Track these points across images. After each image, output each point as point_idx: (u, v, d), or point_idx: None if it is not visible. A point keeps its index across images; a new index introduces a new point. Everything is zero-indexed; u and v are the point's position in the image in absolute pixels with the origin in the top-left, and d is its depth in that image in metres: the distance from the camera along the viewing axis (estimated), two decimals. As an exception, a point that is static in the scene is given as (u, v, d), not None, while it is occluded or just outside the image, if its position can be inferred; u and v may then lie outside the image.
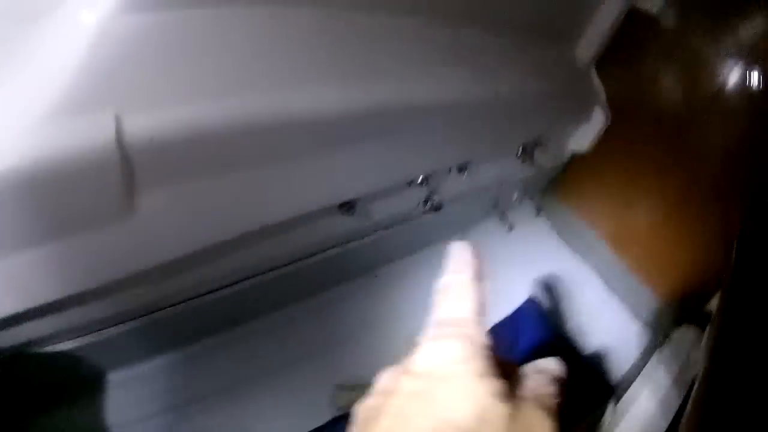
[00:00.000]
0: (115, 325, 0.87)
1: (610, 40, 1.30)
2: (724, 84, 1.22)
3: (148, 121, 0.55)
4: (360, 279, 1.21)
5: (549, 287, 1.34)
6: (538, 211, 1.31)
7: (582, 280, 1.36)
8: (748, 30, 1.18)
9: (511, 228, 1.26)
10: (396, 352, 0.36)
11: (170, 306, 0.90)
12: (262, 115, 0.64)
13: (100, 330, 0.85)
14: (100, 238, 0.60)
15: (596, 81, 1.32)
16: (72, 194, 0.54)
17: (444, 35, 0.87)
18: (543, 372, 0.39)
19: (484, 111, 0.99)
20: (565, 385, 0.39)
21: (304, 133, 0.71)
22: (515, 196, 1.32)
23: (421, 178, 0.99)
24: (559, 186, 1.47)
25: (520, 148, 1.18)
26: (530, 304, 1.25)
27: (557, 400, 0.38)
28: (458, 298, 0.36)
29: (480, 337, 0.34)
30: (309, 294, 1.18)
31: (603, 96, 1.32)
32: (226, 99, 0.60)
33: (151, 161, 0.58)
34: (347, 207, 0.92)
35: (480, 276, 0.37)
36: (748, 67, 1.18)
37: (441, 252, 0.38)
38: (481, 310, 0.36)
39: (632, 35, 1.32)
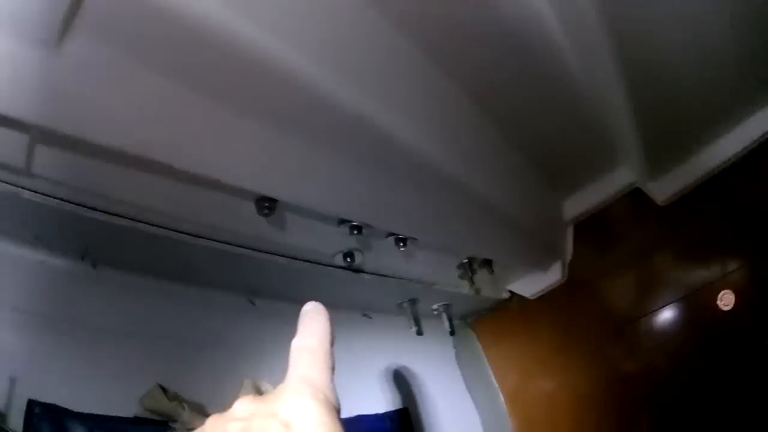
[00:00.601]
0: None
1: (600, 211, 1.27)
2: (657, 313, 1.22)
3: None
4: (239, 299, 1.06)
5: (427, 406, 1.20)
6: (452, 332, 1.20)
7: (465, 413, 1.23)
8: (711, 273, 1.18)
9: (419, 333, 1.14)
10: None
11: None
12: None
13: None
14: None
15: (570, 240, 1.26)
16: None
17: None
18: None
19: (452, 191, 0.90)
20: None
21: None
22: (438, 306, 1.20)
23: (356, 223, 0.86)
24: (482, 322, 1.36)
25: (466, 260, 1.08)
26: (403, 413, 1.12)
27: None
28: (320, 362, 0.40)
29: (335, 403, 0.38)
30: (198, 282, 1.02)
31: (569, 256, 1.26)
32: None
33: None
34: (267, 205, 0.79)
35: (331, 342, 0.42)
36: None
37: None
38: (329, 373, 0.40)
39: (622, 219, 1.30)
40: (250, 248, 0.89)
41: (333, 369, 0.40)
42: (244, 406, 0.38)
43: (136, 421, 0.84)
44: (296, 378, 0.39)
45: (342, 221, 0.87)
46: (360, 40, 0.72)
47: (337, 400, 0.39)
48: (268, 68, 0.60)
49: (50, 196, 0.71)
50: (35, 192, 0.70)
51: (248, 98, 0.64)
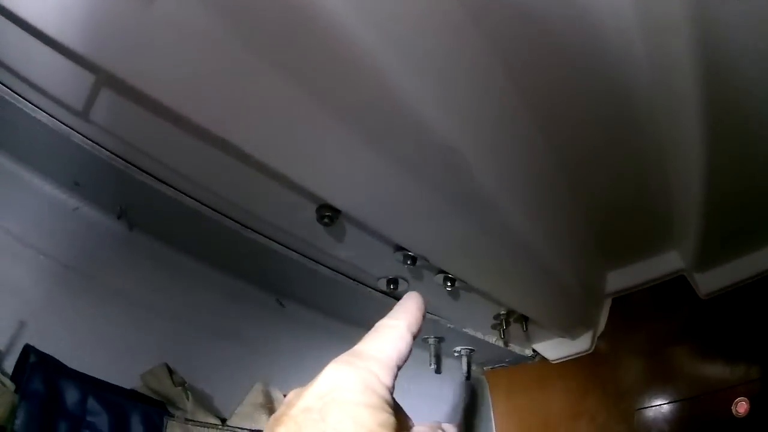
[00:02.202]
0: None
1: (641, 291, 1.24)
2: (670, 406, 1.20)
3: None
4: (268, 297, 1.02)
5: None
6: (468, 377, 1.16)
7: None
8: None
9: (437, 371, 1.11)
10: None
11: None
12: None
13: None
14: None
15: (605, 313, 1.23)
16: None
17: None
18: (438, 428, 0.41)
19: (512, 242, 0.87)
20: None
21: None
22: (460, 349, 1.17)
23: (412, 254, 0.83)
24: (497, 373, 1.32)
25: (504, 312, 1.05)
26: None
27: None
28: (383, 339, 0.39)
29: (384, 378, 0.37)
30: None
31: (601, 329, 1.22)
32: None
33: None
34: (328, 215, 0.76)
35: (414, 330, 0.41)
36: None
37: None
38: (399, 359, 0.39)
39: (660, 304, 1.26)
40: (297, 252, 0.87)
41: (405, 357, 0.39)
42: (295, 391, 0.38)
43: (133, 394, 0.81)
44: (348, 351, 0.38)
45: (399, 248, 0.84)
46: (461, 71, 0.69)
47: (392, 382, 0.37)
48: (369, 75, 0.58)
49: (102, 147, 0.69)
50: (87, 138, 0.68)
51: (339, 100, 0.62)
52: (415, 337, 0.41)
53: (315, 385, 0.36)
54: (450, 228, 0.83)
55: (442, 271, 0.89)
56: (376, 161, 0.70)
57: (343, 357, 0.37)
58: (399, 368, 0.39)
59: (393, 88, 0.61)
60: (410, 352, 0.40)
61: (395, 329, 0.40)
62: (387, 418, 0.35)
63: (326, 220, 0.77)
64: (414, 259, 0.84)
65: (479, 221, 0.83)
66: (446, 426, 0.43)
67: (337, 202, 0.74)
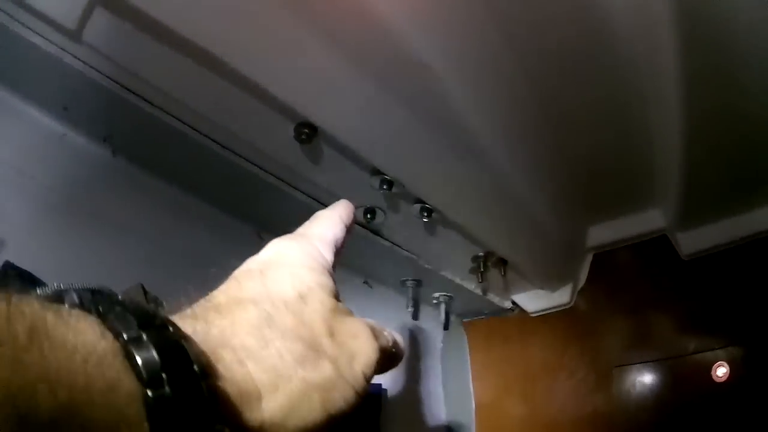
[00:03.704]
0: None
1: (622, 248, 1.24)
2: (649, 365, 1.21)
3: None
4: (247, 228, 1.02)
5: (399, 388, 1.17)
6: (446, 326, 1.16)
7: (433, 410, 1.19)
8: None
9: (414, 317, 1.11)
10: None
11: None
12: None
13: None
14: None
15: (586, 267, 1.23)
16: None
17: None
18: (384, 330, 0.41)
19: (493, 176, 0.87)
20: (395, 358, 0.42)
21: None
22: (439, 296, 1.17)
23: (389, 177, 0.83)
24: (476, 325, 1.33)
25: (482, 254, 1.04)
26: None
27: (390, 346, 0.40)
28: (320, 224, 0.43)
29: (324, 252, 0.40)
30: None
31: (581, 283, 1.22)
32: None
33: None
34: (306, 131, 0.76)
35: (346, 220, 0.45)
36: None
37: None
38: (335, 240, 0.42)
39: (642, 262, 1.27)
40: (276, 176, 0.87)
41: (341, 241, 0.43)
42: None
43: None
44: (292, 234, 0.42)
45: (376, 172, 0.84)
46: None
47: (331, 258, 0.41)
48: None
49: (92, 67, 0.69)
50: (78, 59, 0.68)
51: (318, 15, 0.63)
52: (348, 230, 0.45)
53: (258, 255, 0.39)
54: (428, 154, 0.83)
55: (419, 201, 0.89)
56: (354, 79, 0.71)
57: (285, 236, 0.41)
58: (337, 252, 0.42)
59: (372, 5, 0.62)
60: (345, 240, 0.44)
61: (330, 217, 0.44)
62: (327, 280, 0.37)
63: (303, 137, 0.77)
64: (390, 184, 0.84)
65: (457, 150, 0.83)
66: (395, 334, 0.43)
67: (314, 119, 0.75)
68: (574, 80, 0.88)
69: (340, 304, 0.37)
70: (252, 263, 0.38)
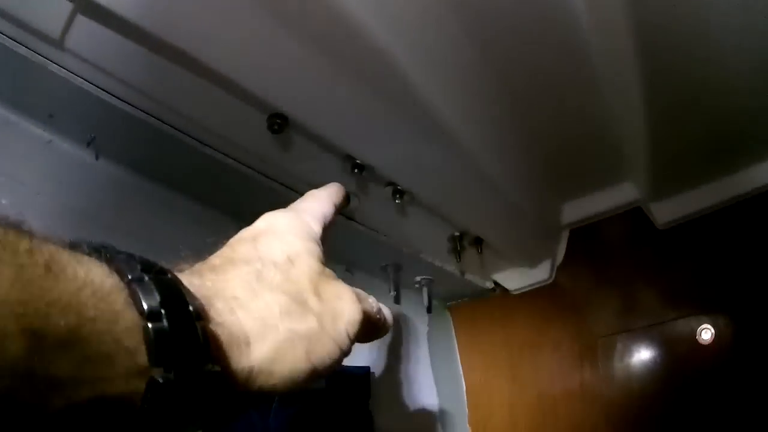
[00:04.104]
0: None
1: (598, 222, 1.27)
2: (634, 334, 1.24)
3: None
4: (225, 219, 1.05)
5: (388, 373, 1.19)
6: (429, 309, 1.19)
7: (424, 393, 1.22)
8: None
9: (396, 300, 1.13)
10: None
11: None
12: None
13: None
14: None
15: (563, 243, 1.26)
16: None
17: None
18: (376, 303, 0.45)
19: (460, 155, 0.90)
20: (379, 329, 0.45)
21: None
22: (420, 279, 1.20)
23: (359, 162, 0.86)
24: (460, 308, 1.35)
25: (458, 234, 1.07)
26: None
27: (374, 311, 0.43)
28: (310, 201, 0.47)
29: (314, 225, 0.43)
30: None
31: (560, 259, 1.25)
32: None
33: None
34: (278, 122, 0.78)
35: (335, 200, 0.50)
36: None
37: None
38: (325, 216, 0.46)
39: (618, 235, 1.30)
40: (249, 167, 0.89)
41: (329, 219, 0.46)
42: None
43: None
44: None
45: (347, 158, 0.87)
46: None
47: (320, 231, 0.44)
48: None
49: (75, 74, 0.71)
50: (61, 66, 0.70)
51: (289, 11, 0.65)
52: (337, 210, 0.49)
53: (251, 225, 0.41)
54: (397, 137, 0.85)
55: (390, 184, 0.91)
56: (321, 68, 0.73)
57: (277, 210, 0.43)
58: (326, 228, 0.45)
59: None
60: (334, 218, 0.47)
61: (319, 195, 0.48)
62: (314, 247, 0.40)
63: (276, 127, 0.79)
64: (362, 168, 0.86)
65: (425, 133, 0.86)
66: (382, 306, 0.45)
67: (285, 109, 0.77)
68: (537, 60, 0.90)
69: (326, 269, 0.40)
70: (245, 232, 0.41)
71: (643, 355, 1.23)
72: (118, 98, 0.75)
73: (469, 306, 1.32)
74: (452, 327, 1.32)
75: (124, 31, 0.65)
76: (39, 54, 0.68)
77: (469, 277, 1.18)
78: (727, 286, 1.17)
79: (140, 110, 0.77)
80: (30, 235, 0.25)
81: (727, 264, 1.17)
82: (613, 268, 1.29)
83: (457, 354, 1.31)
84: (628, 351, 1.25)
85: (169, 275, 0.29)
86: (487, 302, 1.29)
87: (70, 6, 0.62)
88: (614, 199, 1.24)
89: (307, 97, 0.77)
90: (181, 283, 0.29)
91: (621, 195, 1.24)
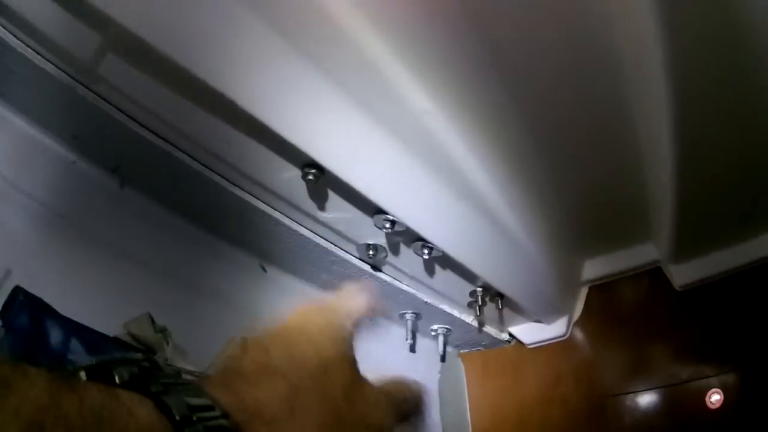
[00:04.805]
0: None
1: (617, 280, 1.26)
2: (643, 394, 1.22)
3: None
4: (251, 260, 1.04)
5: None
6: (443, 358, 1.18)
7: None
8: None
9: (412, 349, 1.13)
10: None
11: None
12: None
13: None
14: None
15: (582, 300, 1.25)
16: None
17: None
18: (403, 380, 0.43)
19: (487, 213, 0.89)
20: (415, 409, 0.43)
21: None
22: (437, 328, 1.19)
23: (391, 217, 0.86)
24: (472, 356, 1.34)
25: (480, 288, 1.07)
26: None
27: (406, 408, 0.42)
28: (349, 299, 0.43)
29: (347, 323, 0.41)
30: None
31: (576, 316, 1.24)
32: None
33: None
34: (313, 172, 0.78)
35: (371, 305, 0.44)
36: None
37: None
38: (359, 320, 0.42)
39: (636, 294, 1.29)
40: (281, 212, 0.89)
41: (363, 316, 0.43)
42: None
43: (116, 341, 0.82)
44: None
45: (378, 211, 0.86)
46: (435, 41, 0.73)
47: (352, 328, 0.41)
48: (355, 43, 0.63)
49: (105, 100, 0.71)
50: (91, 90, 0.70)
51: (328, 60, 0.66)
52: (373, 312, 0.46)
53: (285, 316, 0.41)
54: (428, 195, 0.85)
55: (418, 239, 0.91)
56: (362, 125, 0.74)
57: (311, 302, 0.42)
58: (360, 326, 0.43)
59: (374, 56, 0.66)
60: (368, 317, 0.45)
61: (356, 296, 0.45)
62: (348, 351, 0.39)
63: (310, 177, 0.79)
64: (393, 223, 0.86)
65: (456, 191, 0.86)
66: (418, 386, 0.45)
67: (321, 160, 0.77)
68: (568, 118, 0.91)
69: (360, 376, 0.39)
70: (278, 328, 0.40)
71: (652, 416, 1.22)
72: (149, 129, 0.75)
73: (481, 355, 1.31)
74: (463, 375, 1.31)
75: (160, 68, 0.64)
76: (67, 74, 0.68)
77: (486, 329, 1.18)
78: (738, 349, 1.16)
79: (169, 143, 0.77)
80: (78, 379, 0.25)
81: (740, 327, 1.17)
82: (627, 326, 1.28)
83: (467, 402, 1.29)
84: (637, 411, 1.23)
85: (216, 410, 0.29)
86: (501, 352, 1.29)
87: (99, 37, 0.62)
88: (635, 259, 1.23)
89: (344, 152, 0.76)
90: (228, 417, 0.29)
91: (642, 255, 1.23)
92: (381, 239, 0.92)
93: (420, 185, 0.83)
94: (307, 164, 0.79)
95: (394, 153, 0.78)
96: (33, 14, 0.62)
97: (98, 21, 0.60)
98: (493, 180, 0.88)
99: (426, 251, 0.91)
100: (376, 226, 0.87)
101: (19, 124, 0.80)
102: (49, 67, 0.67)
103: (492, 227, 0.94)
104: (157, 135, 0.76)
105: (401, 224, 0.86)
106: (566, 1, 0.70)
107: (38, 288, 0.77)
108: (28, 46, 0.66)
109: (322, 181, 0.80)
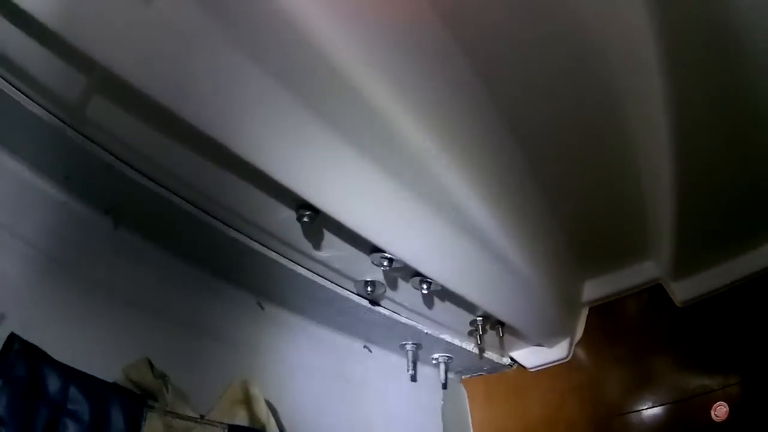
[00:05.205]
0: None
1: (618, 299, 1.26)
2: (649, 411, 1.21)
3: None
4: (248, 298, 1.03)
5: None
6: (445, 385, 1.17)
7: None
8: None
9: (413, 378, 1.11)
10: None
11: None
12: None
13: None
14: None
15: (582, 321, 1.24)
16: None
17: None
18: None
19: (485, 245, 0.88)
20: None
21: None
22: (438, 356, 1.18)
23: (388, 255, 0.84)
24: (475, 381, 1.33)
25: (480, 317, 1.06)
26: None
27: None
28: None
29: None
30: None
31: (578, 337, 1.23)
32: None
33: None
34: (308, 213, 0.77)
35: None
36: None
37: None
38: None
39: (637, 312, 1.28)
40: (277, 252, 0.87)
41: None
42: None
43: (114, 387, 0.80)
44: None
45: (375, 250, 0.85)
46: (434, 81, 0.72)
47: None
48: (349, 86, 0.61)
49: (95, 142, 0.70)
50: (80, 133, 0.69)
51: (322, 104, 0.65)
52: None
53: None
54: (427, 230, 0.84)
55: (417, 274, 0.90)
56: (358, 164, 0.72)
57: None
58: None
59: (369, 97, 0.65)
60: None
61: None
62: None
63: (305, 219, 0.78)
64: (391, 261, 0.85)
65: (453, 226, 0.84)
66: None
67: (317, 201, 0.75)
68: (566, 143, 0.90)
69: None
70: None
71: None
72: (141, 173, 0.73)
73: (483, 380, 1.30)
74: (466, 400, 1.30)
75: (151, 112, 0.63)
76: (58, 118, 0.67)
77: (487, 355, 1.17)
78: (742, 360, 1.15)
79: (162, 186, 0.75)
80: None
81: (743, 338, 1.16)
82: (630, 345, 1.27)
83: (471, 427, 1.28)
84: (643, 428, 1.22)
85: None
86: (503, 377, 1.28)
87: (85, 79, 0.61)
88: (635, 278, 1.23)
89: (339, 193, 0.75)
90: None
91: (642, 274, 1.23)
92: (379, 276, 0.91)
93: (417, 222, 0.82)
94: (302, 205, 0.78)
95: (391, 192, 0.77)
96: (20, 57, 0.61)
97: (83, 64, 0.59)
98: (492, 214, 0.87)
99: (425, 286, 0.90)
100: (373, 263, 0.86)
101: (12, 166, 0.79)
102: (37, 110, 0.66)
103: (491, 258, 0.93)
104: (149, 178, 0.74)
105: (399, 261, 0.85)
106: (566, 42, 0.70)
107: (34, 332, 0.74)
108: (15, 88, 0.64)
109: (317, 222, 0.79)
